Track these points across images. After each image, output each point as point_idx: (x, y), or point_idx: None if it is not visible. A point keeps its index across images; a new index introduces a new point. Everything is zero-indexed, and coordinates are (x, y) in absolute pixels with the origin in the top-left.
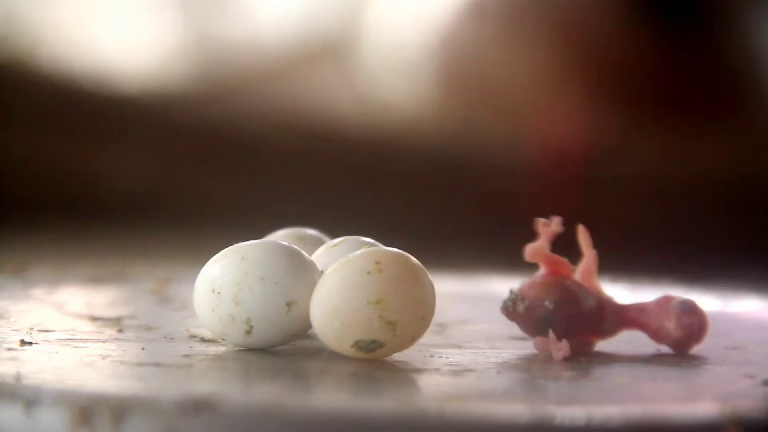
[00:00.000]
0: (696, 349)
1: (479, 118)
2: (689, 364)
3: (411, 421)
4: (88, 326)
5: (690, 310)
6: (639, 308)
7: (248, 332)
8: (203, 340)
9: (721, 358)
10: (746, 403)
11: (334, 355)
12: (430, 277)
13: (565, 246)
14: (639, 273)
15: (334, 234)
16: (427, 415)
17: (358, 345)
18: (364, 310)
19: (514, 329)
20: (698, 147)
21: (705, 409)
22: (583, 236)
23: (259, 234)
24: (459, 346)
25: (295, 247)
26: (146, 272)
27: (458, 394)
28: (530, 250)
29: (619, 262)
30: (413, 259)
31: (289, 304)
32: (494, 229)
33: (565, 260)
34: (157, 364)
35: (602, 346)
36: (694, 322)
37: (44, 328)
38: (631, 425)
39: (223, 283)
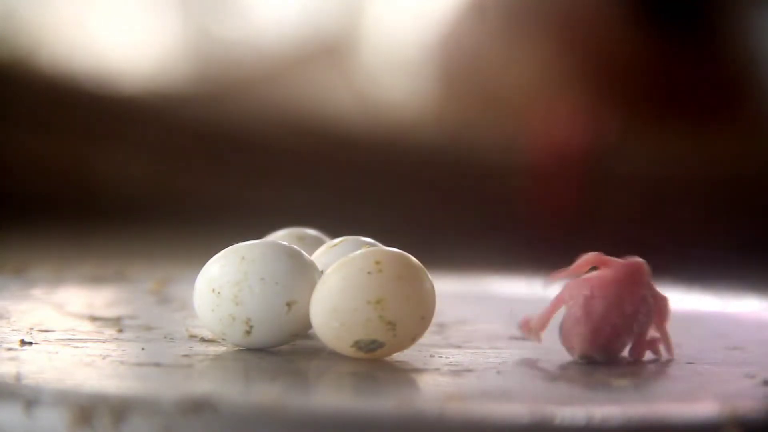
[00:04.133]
0: (696, 349)
1: (479, 117)
2: (689, 364)
3: (411, 421)
4: (88, 326)
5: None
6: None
7: (248, 332)
8: (203, 340)
9: (721, 358)
10: (746, 403)
11: (334, 355)
12: (430, 277)
13: (564, 250)
14: None
15: (334, 234)
16: (427, 415)
17: (358, 345)
18: (364, 310)
19: (514, 329)
20: (698, 147)
21: (705, 409)
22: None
23: (259, 234)
24: (459, 346)
25: (295, 247)
26: (146, 272)
27: (458, 394)
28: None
29: None
30: (413, 259)
31: (289, 304)
32: (494, 229)
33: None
34: (157, 364)
35: None
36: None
37: (44, 328)
38: (631, 425)
39: (223, 283)
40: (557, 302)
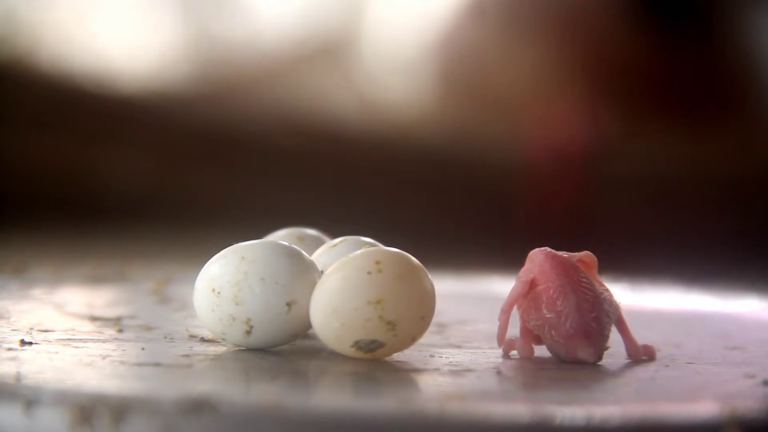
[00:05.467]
0: (696, 349)
1: (479, 117)
2: (689, 364)
3: (411, 421)
4: (88, 326)
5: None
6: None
7: (248, 332)
8: (203, 340)
9: (721, 358)
10: (746, 403)
11: (334, 355)
12: (430, 277)
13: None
14: (639, 273)
15: (334, 234)
16: (427, 415)
17: (358, 345)
18: (364, 310)
19: (514, 330)
20: (698, 147)
21: (705, 409)
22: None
23: (259, 234)
24: (459, 346)
25: (295, 247)
26: (146, 272)
27: (458, 394)
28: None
29: (619, 262)
30: (413, 259)
31: (289, 304)
32: (494, 228)
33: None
34: (157, 364)
35: None
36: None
37: (44, 328)
38: (631, 425)
39: (223, 283)
40: (512, 300)
